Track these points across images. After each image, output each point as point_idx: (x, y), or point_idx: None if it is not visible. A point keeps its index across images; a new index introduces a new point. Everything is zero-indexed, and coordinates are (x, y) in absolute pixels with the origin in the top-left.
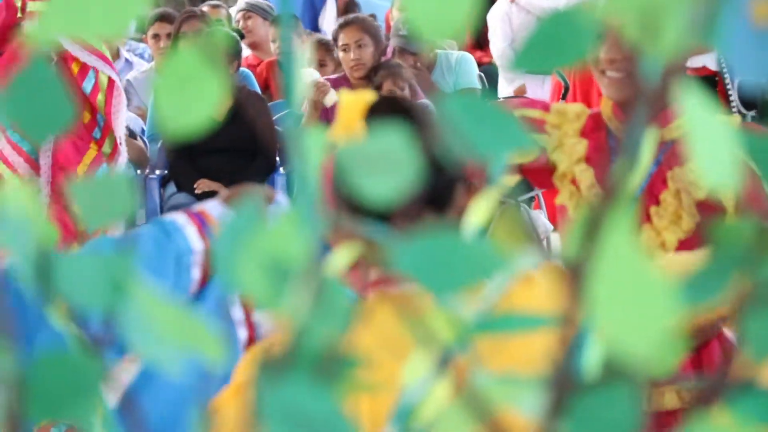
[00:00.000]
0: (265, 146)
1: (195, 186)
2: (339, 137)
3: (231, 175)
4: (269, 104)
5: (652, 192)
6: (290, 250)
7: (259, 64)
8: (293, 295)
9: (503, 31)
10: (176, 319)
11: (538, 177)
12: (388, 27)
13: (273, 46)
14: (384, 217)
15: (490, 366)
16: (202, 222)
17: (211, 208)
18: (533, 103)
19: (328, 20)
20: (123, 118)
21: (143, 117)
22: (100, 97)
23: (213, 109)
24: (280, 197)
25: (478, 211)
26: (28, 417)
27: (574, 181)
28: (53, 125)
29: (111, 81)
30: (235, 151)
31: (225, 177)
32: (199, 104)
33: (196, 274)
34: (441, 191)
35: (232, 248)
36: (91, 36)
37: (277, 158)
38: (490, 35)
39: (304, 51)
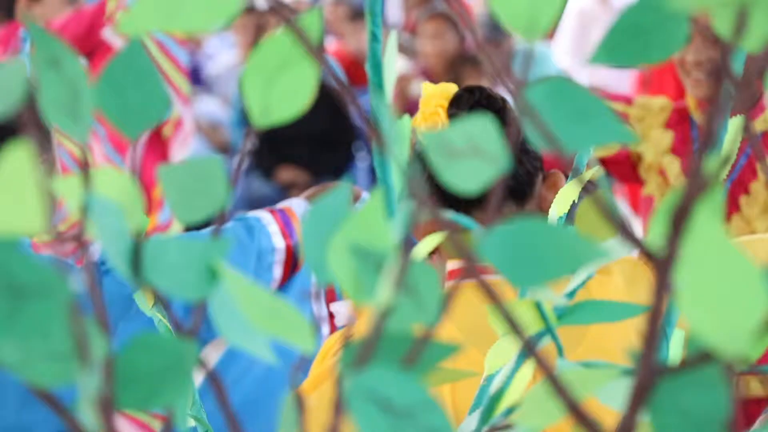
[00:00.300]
0: (347, 135)
1: (277, 174)
2: (422, 128)
3: (313, 163)
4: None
5: (742, 182)
6: (378, 238)
7: (340, 55)
8: (382, 284)
9: (576, 24)
10: (267, 307)
11: (619, 169)
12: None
13: (356, 38)
14: (467, 207)
15: (572, 355)
16: (285, 220)
17: (296, 205)
18: (615, 97)
19: (393, 10)
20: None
21: (225, 106)
22: (166, 130)
23: (304, 97)
24: (365, 194)
25: (562, 202)
26: (120, 403)
27: (661, 172)
28: (148, 117)
29: (179, 121)
30: (318, 140)
31: (307, 166)
32: (289, 93)
33: (277, 272)
34: (522, 182)
35: (321, 240)
36: (183, 30)
37: (357, 148)
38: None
39: (392, 42)
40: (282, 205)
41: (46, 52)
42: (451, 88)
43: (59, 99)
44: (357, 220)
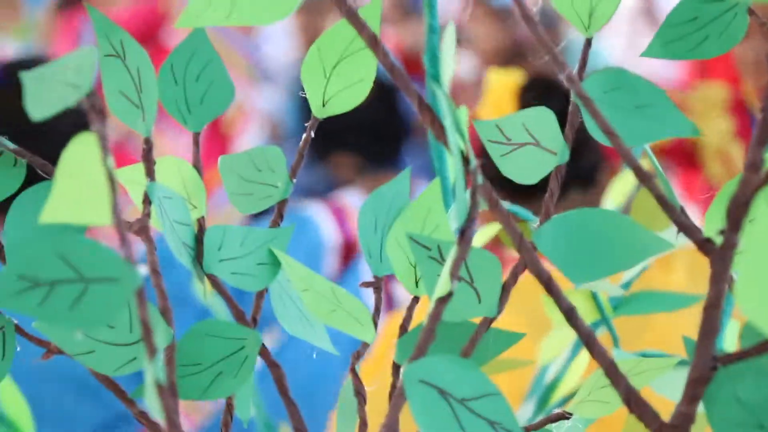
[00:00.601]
0: (396, 127)
1: (329, 161)
2: (487, 116)
3: (364, 153)
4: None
5: None
6: (436, 228)
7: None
8: (442, 273)
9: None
10: (327, 296)
11: (677, 156)
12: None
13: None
14: (529, 196)
15: (630, 346)
16: (340, 213)
17: (351, 197)
18: (671, 85)
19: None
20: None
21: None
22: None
23: (364, 88)
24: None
25: (617, 192)
26: (181, 392)
27: (721, 159)
28: (211, 108)
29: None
30: (369, 130)
31: (360, 153)
32: (349, 84)
33: (329, 266)
34: (586, 172)
35: (378, 230)
36: (242, 24)
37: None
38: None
39: (450, 34)
40: (336, 197)
41: (110, 41)
42: (517, 77)
43: (123, 89)
44: (414, 210)
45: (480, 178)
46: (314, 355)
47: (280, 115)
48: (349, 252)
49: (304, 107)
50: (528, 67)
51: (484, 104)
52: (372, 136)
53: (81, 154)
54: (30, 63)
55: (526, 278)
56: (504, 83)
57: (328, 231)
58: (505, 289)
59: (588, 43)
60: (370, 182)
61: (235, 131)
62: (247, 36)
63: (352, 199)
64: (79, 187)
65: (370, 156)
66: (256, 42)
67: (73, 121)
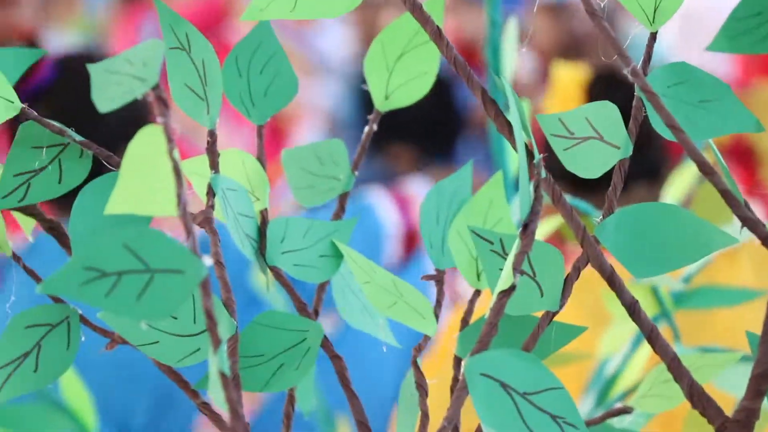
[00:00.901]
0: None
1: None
2: (554, 109)
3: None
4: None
5: None
6: (498, 221)
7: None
8: (504, 267)
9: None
10: (389, 289)
11: (734, 154)
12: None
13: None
14: (593, 189)
15: (692, 340)
16: (401, 202)
17: (415, 186)
18: (730, 81)
19: None
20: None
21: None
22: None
23: (427, 81)
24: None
25: (677, 186)
26: (245, 384)
27: None
28: (275, 101)
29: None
30: (426, 122)
31: (416, 145)
32: (411, 77)
33: (389, 254)
34: (648, 166)
35: (439, 222)
36: (305, 18)
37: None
38: None
39: (512, 28)
40: (399, 185)
41: (175, 34)
42: (582, 71)
43: (188, 82)
44: (476, 203)
45: (543, 172)
46: (384, 349)
47: (335, 108)
48: (410, 241)
49: (360, 100)
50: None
51: (551, 98)
52: (428, 129)
53: (147, 146)
54: (86, 58)
55: (584, 271)
56: (571, 77)
57: (388, 219)
58: (568, 283)
59: (653, 37)
60: (428, 172)
61: (292, 125)
62: (302, 30)
63: (413, 187)
64: (144, 179)
65: (426, 148)
66: (310, 36)
67: (124, 117)
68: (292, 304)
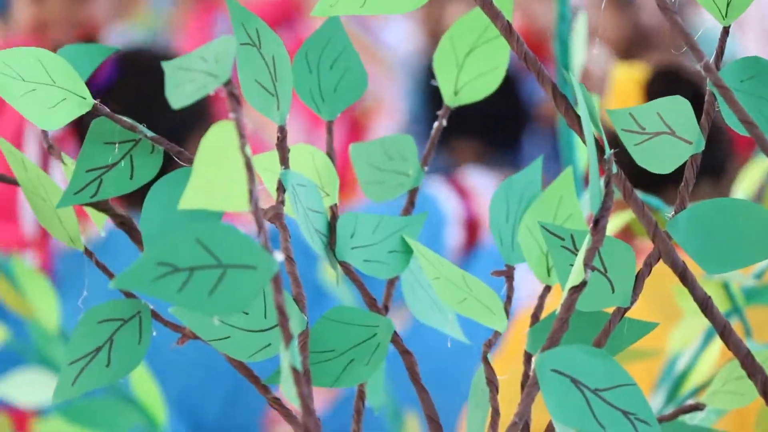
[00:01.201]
0: (517, 114)
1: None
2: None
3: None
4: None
5: None
6: (569, 217)
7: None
8: (575, 263)
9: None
10: (459, 285)
11: None
12: None
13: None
14: (662, 185)
15: (764, 336)
16: (463, 193)
17: (477, 177)
18: None
19: None
20: None
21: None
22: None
23: (496, 77)
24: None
25: (748, 181)
26: (315, 379)
27: None
28: (345, 96)
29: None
30: (491, 116)
31: (481, 139)
32: (481, 72)
33: (451, 244)
34: (715, 162)
35: (509, 217)
36: (375, 13)
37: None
38: None
39: (582, 23)
40: (461, 176)
41: (246, 30)
42: (643, 68)
43: (258, 78)
44: (546, 198)
45: (615, 167)
46: (449, 344)
47: (402, 103)
48: (472, 232)
49: (426, 95)
50: (651, 59)
51: (610, 98)
52: (493, 122)
53: (219, 142)
54: (148, 54)
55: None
56: (630, 77)
57: (451, 209)
58: (639, 279)
59: (725, 31)
60: (492, 166)
61: (367, 120)
62: (367, 25)
63: (474, 178)
64: (217, 174)
65: (491, 141)
66: (374, 31)
67: (183, 114)
68: (362, 300)
